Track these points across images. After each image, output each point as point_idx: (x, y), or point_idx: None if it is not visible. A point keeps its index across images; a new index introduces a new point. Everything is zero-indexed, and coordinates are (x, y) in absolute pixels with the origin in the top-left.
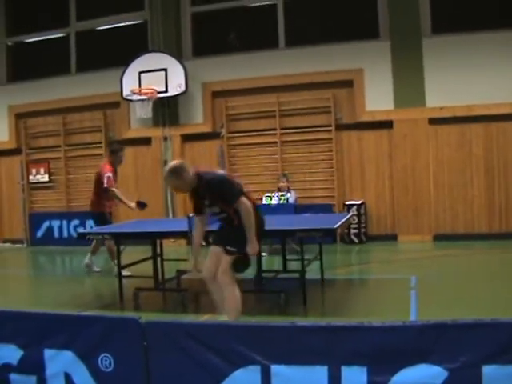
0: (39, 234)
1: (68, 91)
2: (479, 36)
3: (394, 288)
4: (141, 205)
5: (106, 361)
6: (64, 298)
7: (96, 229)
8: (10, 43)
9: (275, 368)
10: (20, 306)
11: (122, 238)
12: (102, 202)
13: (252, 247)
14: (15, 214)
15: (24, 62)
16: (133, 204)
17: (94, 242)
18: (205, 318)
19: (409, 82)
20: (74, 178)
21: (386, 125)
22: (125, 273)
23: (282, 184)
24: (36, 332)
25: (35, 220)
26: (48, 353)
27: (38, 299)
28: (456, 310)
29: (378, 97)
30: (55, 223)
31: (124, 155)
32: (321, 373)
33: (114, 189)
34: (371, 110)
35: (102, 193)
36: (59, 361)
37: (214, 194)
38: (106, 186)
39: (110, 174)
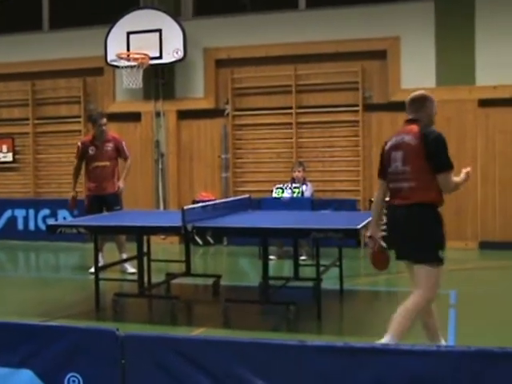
0: None
1: (39, 52)
2: None
3: None
4: (75, 204)
5: (74, 382)
6: (26, 305)
7: (70, 220)
8: None
9: None
10: None
11: (100, 233)
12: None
13: None
14: None
15: None
16: (72, 194)
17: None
18: (198, 333)
19: (456, 54)
20: (44, 159)
21: None
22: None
23: (296, 174)
24: None
25: None
26: (1, 372)
27: None
28: (505, 335)
29: (416, 72)
30: (19, 213)
31: (104, 125)
32: None
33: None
34: (408, 87)
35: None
36: (15, 382)
37: None
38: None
39: (78, 144)
